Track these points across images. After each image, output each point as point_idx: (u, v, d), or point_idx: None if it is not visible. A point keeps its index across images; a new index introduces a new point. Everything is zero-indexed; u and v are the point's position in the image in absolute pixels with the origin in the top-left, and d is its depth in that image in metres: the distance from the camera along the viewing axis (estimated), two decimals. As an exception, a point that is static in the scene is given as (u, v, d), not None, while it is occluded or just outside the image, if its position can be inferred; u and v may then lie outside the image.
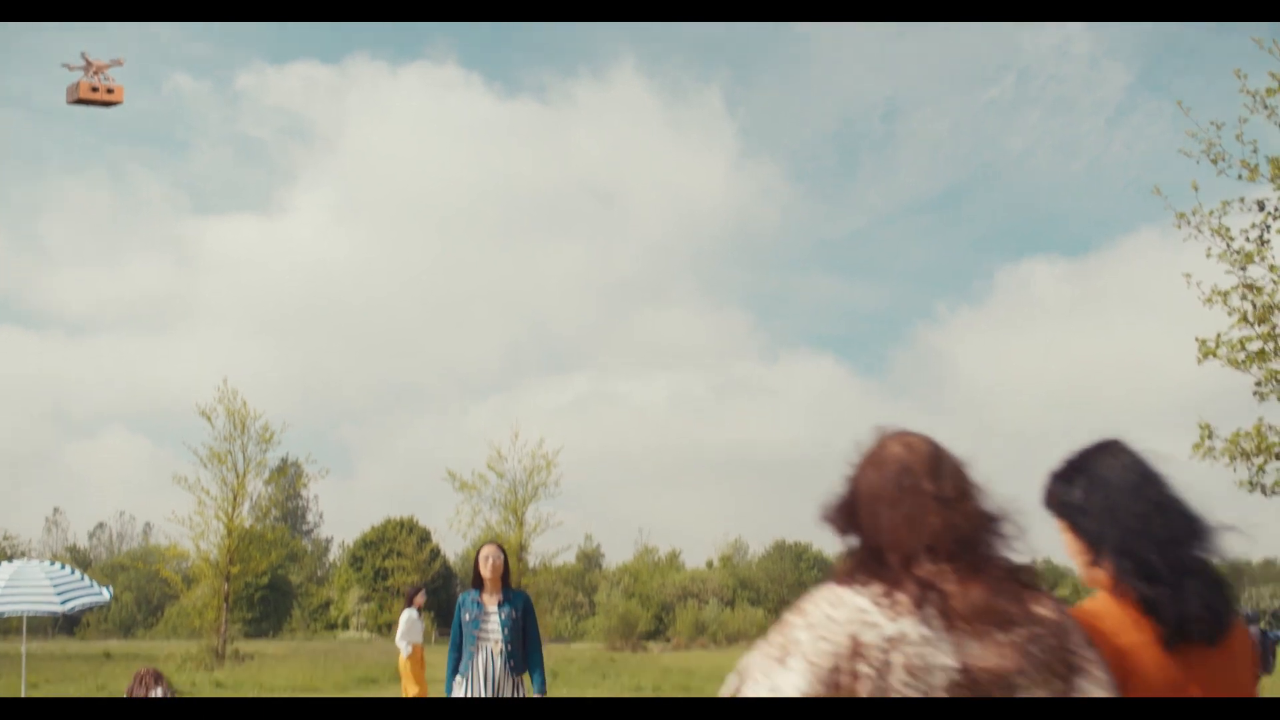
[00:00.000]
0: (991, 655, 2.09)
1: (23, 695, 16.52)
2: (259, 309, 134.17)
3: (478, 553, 8.03)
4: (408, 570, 69.38)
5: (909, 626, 2.09)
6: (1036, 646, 2.11)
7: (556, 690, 26.75)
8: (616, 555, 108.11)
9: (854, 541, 2.29)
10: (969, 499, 2.23)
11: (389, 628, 68.78)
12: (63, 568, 15.55)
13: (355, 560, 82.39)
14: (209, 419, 31.07)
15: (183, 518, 31.66)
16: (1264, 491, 10.16)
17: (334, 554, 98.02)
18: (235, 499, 31.08)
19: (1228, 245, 11.76)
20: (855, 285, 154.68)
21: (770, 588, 73.91)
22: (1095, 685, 2.15)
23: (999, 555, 2.21)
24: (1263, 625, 16.12)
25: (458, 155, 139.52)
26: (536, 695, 7.84)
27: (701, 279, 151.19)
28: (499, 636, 7.72)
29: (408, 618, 15.36)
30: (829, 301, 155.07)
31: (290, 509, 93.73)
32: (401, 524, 78.81)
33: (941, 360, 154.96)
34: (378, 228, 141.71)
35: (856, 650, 2.10)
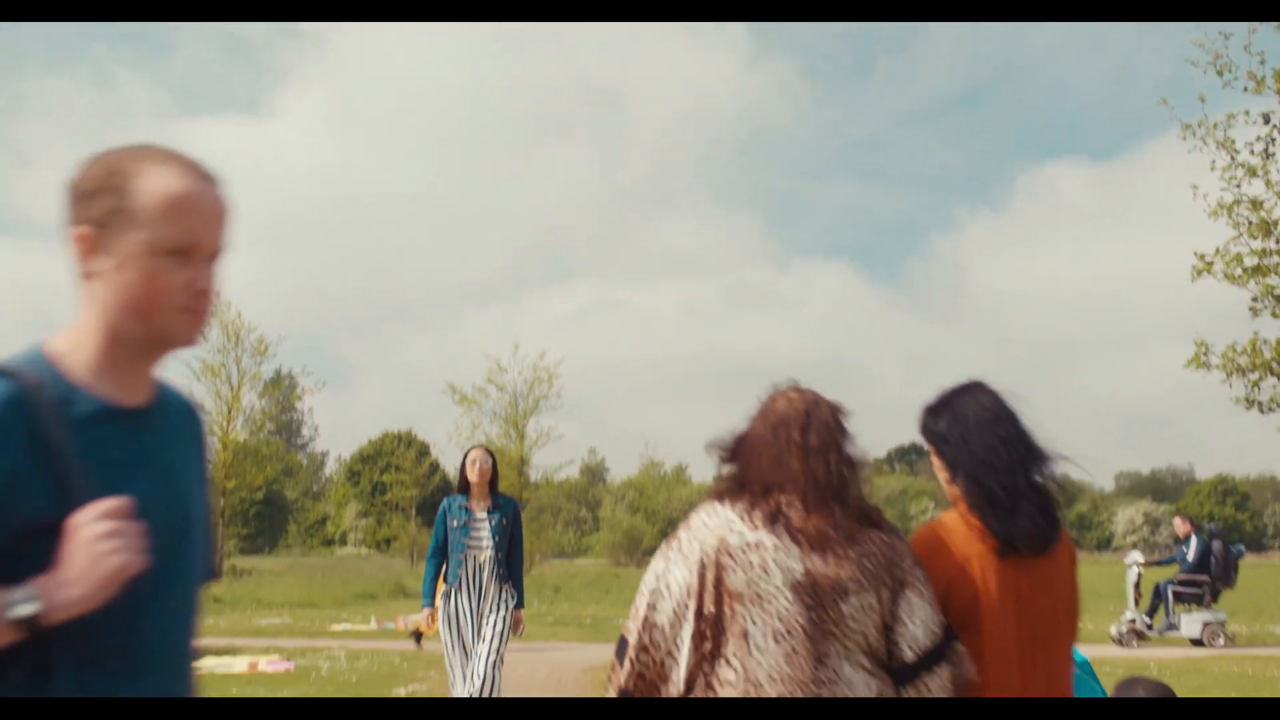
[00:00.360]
0: (830, 566, 2.79)
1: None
2: (250, 217, 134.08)
3: (464, 457, 7.95)
4: (406, 485, 70.23)
5: (765, 536, 2.81)
6: (869, 563, 2.81)
7: (559, 607, 27.60)
8: (621, 469, 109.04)
9: (730, 470, 3.00)
10: (830, 449, 2.89)
11: (387, 544, 69.98)
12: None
13: (352, 475, 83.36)
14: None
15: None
16: (1260, 409, 10.52)
17: (330, 468, 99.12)
18: (230, 412, 31.71)
19: (1232, 159, 12.03)
20: (871, 190, 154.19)
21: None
22: (917, 596, 2.85)
23: (850, 493, 2.88)
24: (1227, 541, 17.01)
25: (456, 54, 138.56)
26: (514, 608, 7.77)
27: (711, 183, 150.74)
28: (489, 544, 7.70)
29: None
30: (844, 207, 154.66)
31: (285, 422, 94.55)
32: (400, 437, 79.60)
33: (960, 268, 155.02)
34: (373, 132, 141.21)
35: (724, 549, 2.80)
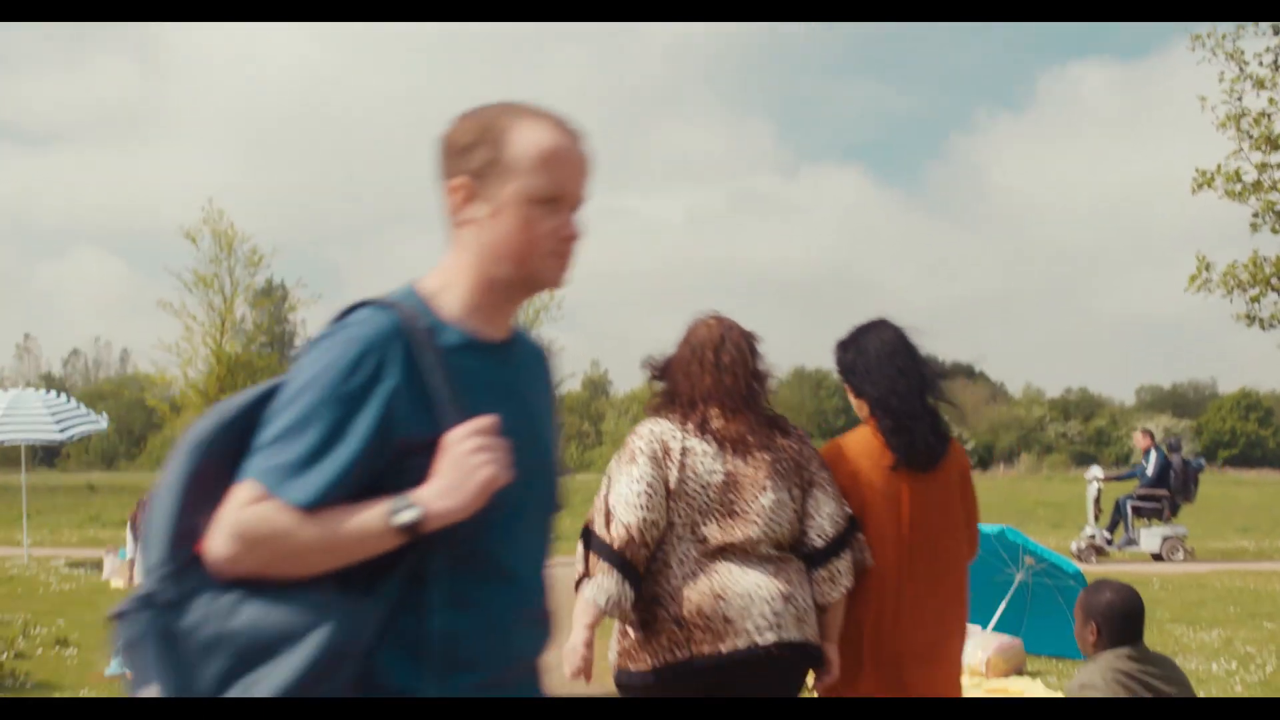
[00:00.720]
0: (748, 467, 3.58)
1: (24, 528, 17.76)
2: (240, 119, 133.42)
3: None
4: (403, 398, 71.13)
5: (695, 443, 3.58)
6: (781, 465, 3.59)
7: (559, 524, 28.26)
8: (625, 382, 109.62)
9: (660, 386, 3.80)
10: (739, 365, 3.67)
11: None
12: (58, 395, 16.70)
13: None
14: (194, 241, 31.89)
15: (169, 344, 32.86)
16: (1261, 325, 10.87)
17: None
18: (223, 324, 32.16)
19: (1241, 70, 12.24)
20: (886, 91, 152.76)
21: (787, 416, 75.89)
22: (823, 493, 3.65)
23: (760, 402, 3.71)
24: (1185, 455, 17.61)
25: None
26: None
27: (719, 85, 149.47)
28: None
29: None
30: (857, 109, 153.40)
31: (278, 335, 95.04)
32: None
33: (978, 172, 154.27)
34: (366, 32, 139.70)
35: (666, 452, 3.58)
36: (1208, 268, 11.13)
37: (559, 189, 2.06)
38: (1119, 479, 18.64)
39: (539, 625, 2.16)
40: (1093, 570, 15.58)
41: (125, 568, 13.84)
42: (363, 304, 2.04)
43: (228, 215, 32.68)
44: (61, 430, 15.84)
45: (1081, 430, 79.99)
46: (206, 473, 1.95)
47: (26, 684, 7.97)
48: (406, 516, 1.91)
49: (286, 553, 1.89)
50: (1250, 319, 10.93)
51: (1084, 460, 63.44)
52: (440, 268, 2.13)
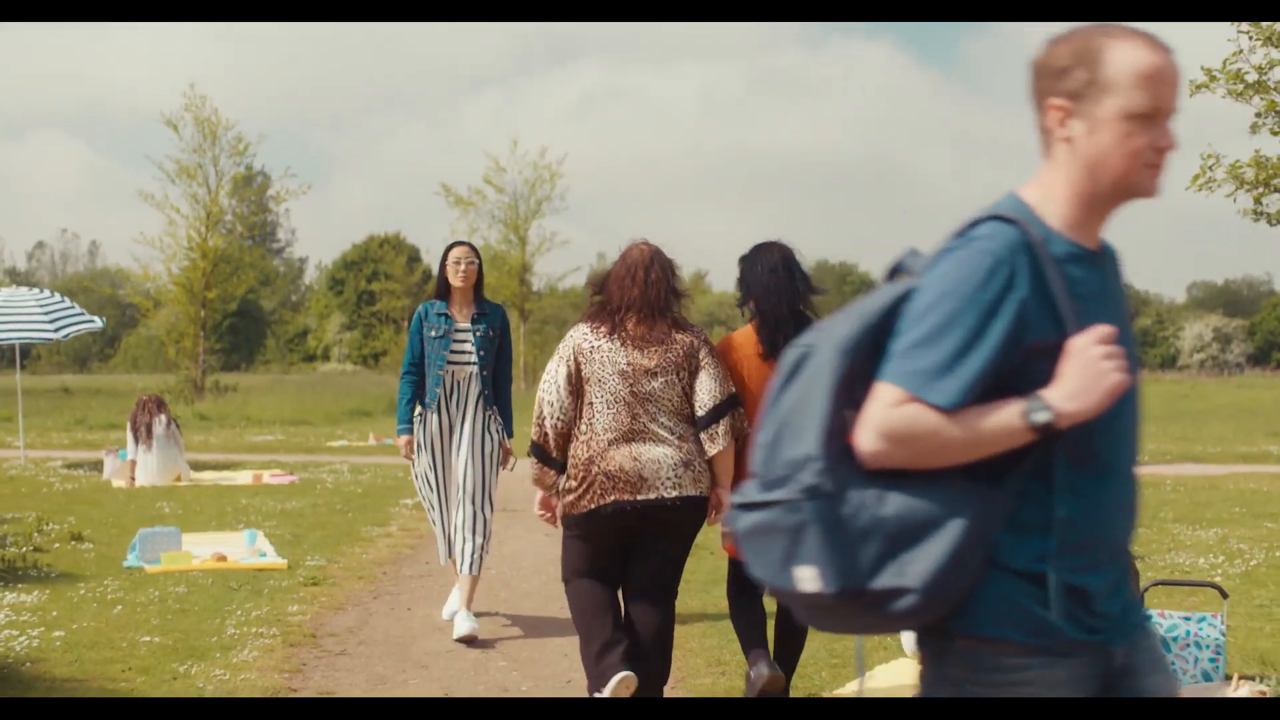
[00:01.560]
0: (644, 359, 5.26)
1: (20, 428, 18.77)
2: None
3: (445, 255, 7.58)
4: (396, 294, 71.03)
5: (603, 343, 5.27)
6: (671, 355, 5.26)
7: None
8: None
9: (598, 298, 5.42)
10: (661, 282, 5.33)
11: (375, 359, 71.67)
12: (51, 294, 17.67)
13: (335, 283, 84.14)
14: (175, 129, 32.50)
15: (152, 238, 33.61)
16: (1269, 221, 11.55)
17: (310, 277, 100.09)
18: (208, 218, 32.90)
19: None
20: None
21: (814, 313, 75.00)
22: (707, 375, 5.26)
23: (672, 311, 5.34)
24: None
25: None
26: (497, 438, 7.58)
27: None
28: (474, 360, 7.45)
29: None
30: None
31: (258, 225, 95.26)
32: (387, 241, 79.99)
33: (1020, 49, 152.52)
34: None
35: (580, 350, 5.30)
36: (1214, 164, 11.72)
37: (1156, 104, 2.34)
38: None
39: (1132, 514, 2.51)
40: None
41: (126, 468, 14.92)
42: (987, 218, 2.37)
43: (210, 101, 33.21)
44: (56, 329, 16.86)
45: (1125, 328, 79.59)
46: (852, 372, 2.35)
47: (50, 575, 8.99)
48: (1042, 417, 2.26)
49: (930, 449, 2.28)
50: (1257, 214, 11.60)
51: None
52: (1038, 182, 2.46)
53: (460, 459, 7.45)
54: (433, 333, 7.44)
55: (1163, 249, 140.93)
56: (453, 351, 7.42)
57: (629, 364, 5.23)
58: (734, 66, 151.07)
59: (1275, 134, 9.63)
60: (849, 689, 5.92)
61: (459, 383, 7.45)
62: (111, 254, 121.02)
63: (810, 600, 2.33)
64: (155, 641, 6.97)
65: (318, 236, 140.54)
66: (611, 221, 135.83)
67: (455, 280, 7.45)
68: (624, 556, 5.40)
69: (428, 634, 7.48)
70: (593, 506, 5.24)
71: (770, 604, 5.64)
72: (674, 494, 5.19)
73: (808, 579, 2.30)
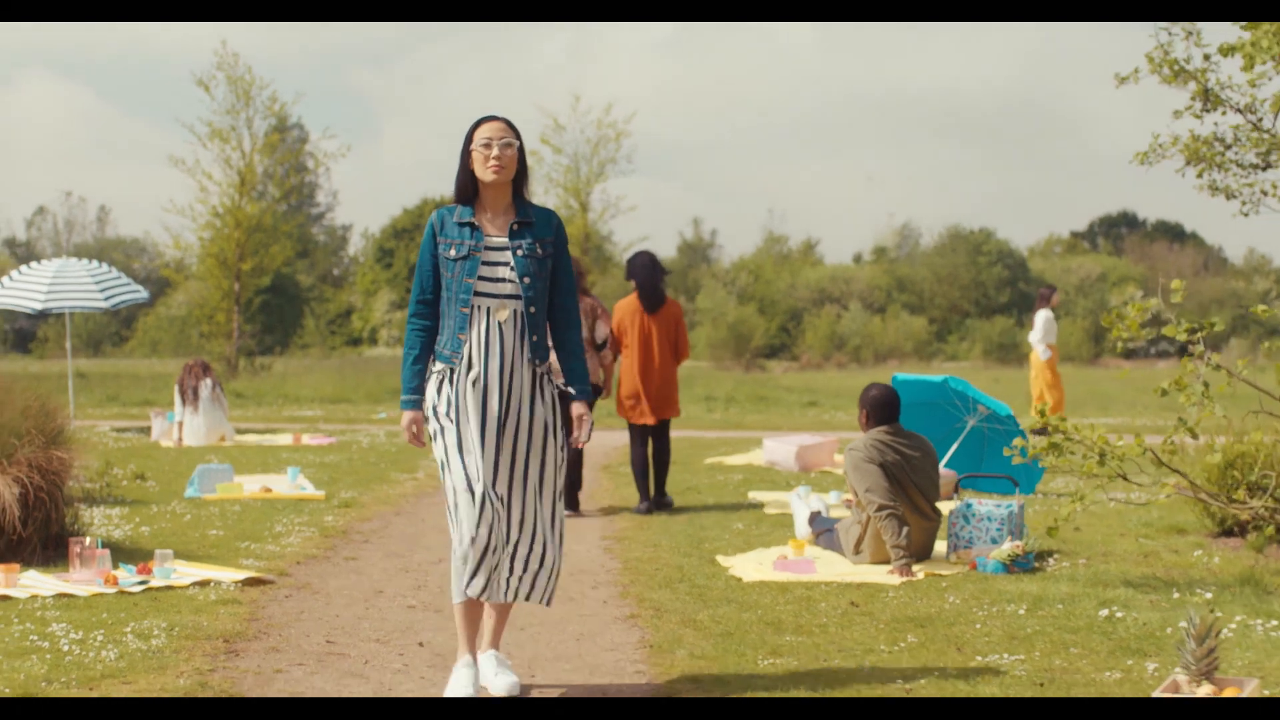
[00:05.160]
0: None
1: (70, 391, 22.89)
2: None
3: (469, 135, 6.05)
4: (453, 267, 73.70)
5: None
6: (585, 310, 12.34)
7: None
8: (731, 247, 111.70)
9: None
10: (582, 276, 12.27)
11: (430, 342, 74.70)
12: (100, 264, 22.10)
13: (383, 254, 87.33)
14: (207, 89, 36.91)
15: (182, 206, 38.01)
16: (1226, 195, 14.27)
17: (355, 246, 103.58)
18: (243, 184, 37.23)
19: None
20: None
21: (937, 289, 76.04)
22: (601, 322, 12.52)
23: (580, 286, 12.24)
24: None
25: None
26: (576, 403, 6.28)
27: None
28: (517, 291, 5.97)
29: (1045, 318, 21.46)
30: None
31: (293, 187, 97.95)
32: (443, 205, 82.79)
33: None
34: None
35: None
36: (1168, 143, 14.26)
37: None
38: None
39: None
40: None
41: (173, 429, 19.28)
42: None
43: (243, 59, 37.17)
44: (106, 299, 21.24)
45: (1315, 310, 79.71)
46: None
47: (124, 501, 13.10)
48: None
49: None
50: (1214, 189, 14.58)
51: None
52: None
53: (503, 444, 5.93)
54: (452, 252, 5.94)
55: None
56: (483, 279, 5.91)
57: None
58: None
59: (1198, 117, 12.54)
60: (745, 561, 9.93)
61: (495, 325, 5.92)
62: (124, 222, 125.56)
63: None
64: (220, 534, 11.02)
65: (363, 199, 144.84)
66: (706, 179, 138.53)
67: (484, 173, 5.93)
68: None
69: (438, 533, 11.46)
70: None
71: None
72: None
73: None
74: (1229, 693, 5.53)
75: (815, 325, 67.73)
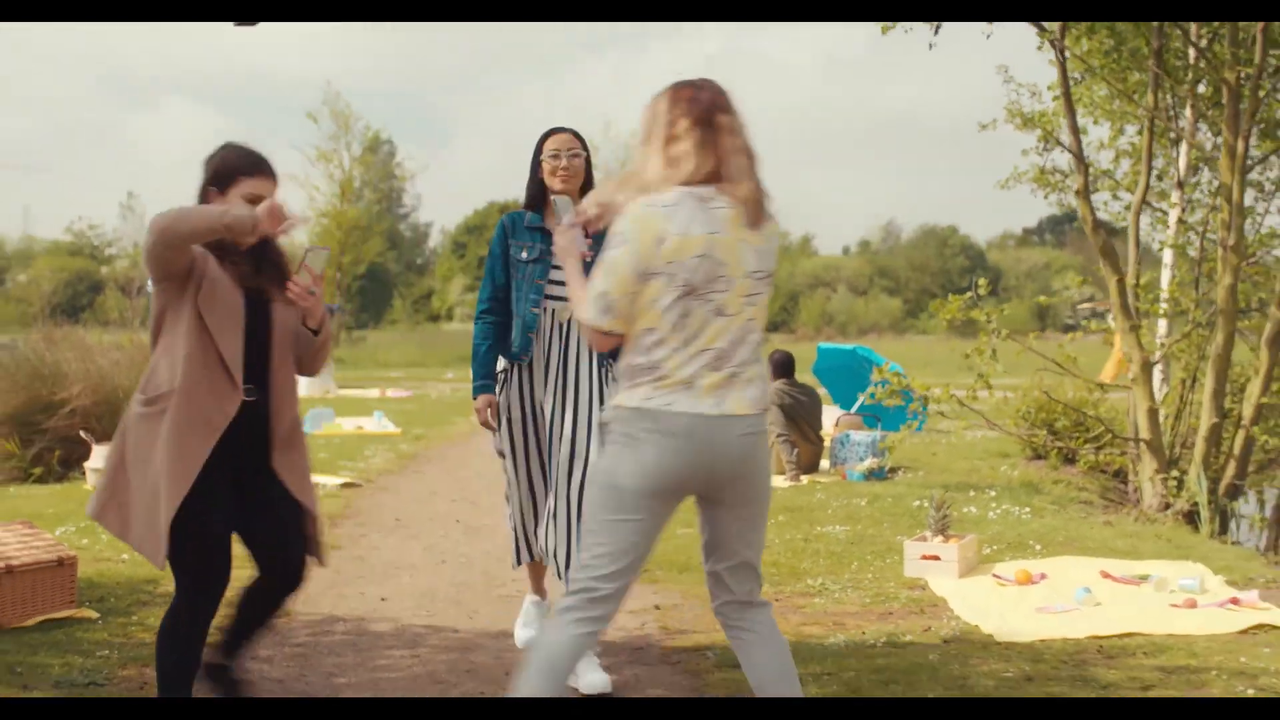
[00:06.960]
0: None
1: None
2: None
3: (539, 146, 5.50)
4: (514, 258, 76.02)
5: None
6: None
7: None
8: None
9: None
10: None
11: (496, 318, 77.02)
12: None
13: (458, 247, 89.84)
14: (314, 120, 38.91)
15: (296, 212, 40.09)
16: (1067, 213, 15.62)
17: (434, 240, 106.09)
18: (343, 194, 39.26)
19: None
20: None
21: (911, 276, 77.68)
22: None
23: None
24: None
25: None
26: None
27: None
28: None
29: None
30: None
31: (385, 192, 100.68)
32: (505, 208, 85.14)
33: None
34: None
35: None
36: (1026, 173, 15.38)
37: None
38: None
39: None
40: None
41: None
42: None
43: (344, 96, 39.14)
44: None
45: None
46: None
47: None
48: None
49: None
50: (1061, 206, 16.07)
51: None
52: None
53: (564, 439, 5.36)
54: (524, 254, 5.48)
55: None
56: (553, 282, 5.40)
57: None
58: (854, 26, 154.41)
59: (1041, 155, 14.08)
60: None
61: (561, 326, 5.42)
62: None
63: None
64: (325, 457, 12.91)
65: (441, 201, 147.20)
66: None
67: (554, 180, 5.43)
68: None
69: (483, 458, 13.42)
70: None
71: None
72: None
73: None
74: (952, 542, 7.26)
75: (809, 305, 69.84)
